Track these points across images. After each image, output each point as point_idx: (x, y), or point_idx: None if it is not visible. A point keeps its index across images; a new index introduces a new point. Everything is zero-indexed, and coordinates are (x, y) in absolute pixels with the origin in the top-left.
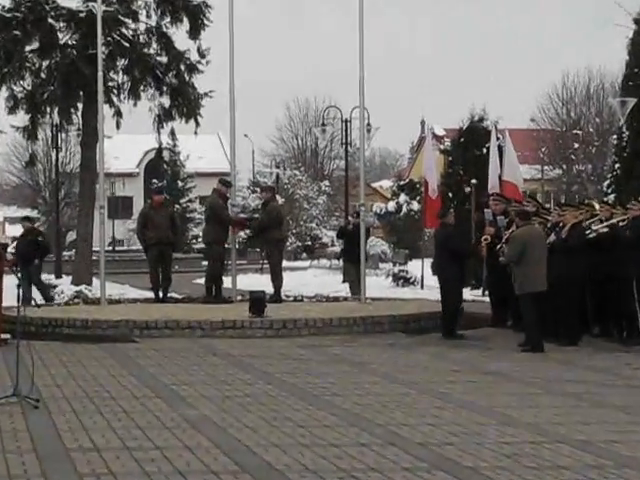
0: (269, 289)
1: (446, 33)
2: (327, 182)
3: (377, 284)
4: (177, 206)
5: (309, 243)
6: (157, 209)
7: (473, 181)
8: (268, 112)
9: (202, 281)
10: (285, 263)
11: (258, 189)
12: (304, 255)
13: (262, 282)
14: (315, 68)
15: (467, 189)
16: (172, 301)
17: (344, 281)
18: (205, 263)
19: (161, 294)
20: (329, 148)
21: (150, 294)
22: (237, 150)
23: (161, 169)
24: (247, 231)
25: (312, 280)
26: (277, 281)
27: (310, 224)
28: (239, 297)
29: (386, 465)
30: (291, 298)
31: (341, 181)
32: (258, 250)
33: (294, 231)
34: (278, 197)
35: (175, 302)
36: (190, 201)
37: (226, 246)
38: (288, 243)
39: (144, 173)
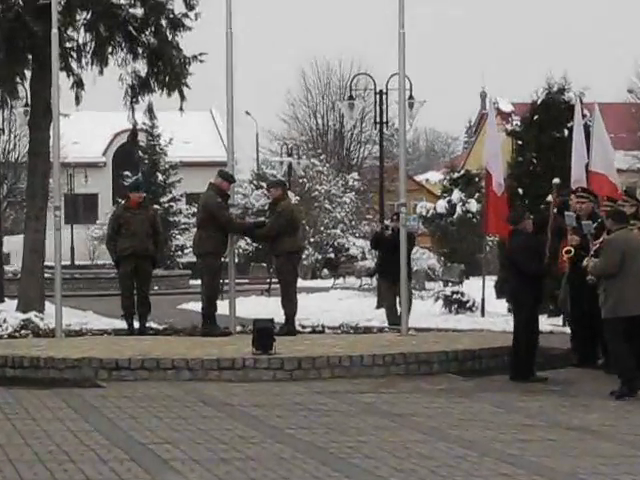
0: (279, 317)
1: None
2: (356, 174)
3: (423, 310)
4: (156, 206)
5: (332, 256)
6: (134, 211)
7: (555, 180)
8: (277, 81)
9: (190, 306)
10: (300, 282)
11: (264, 184)
12: (326, 272)
13: (270, 308)
14: (340, 23)
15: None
16: (151, 333)
17: (379, 306)
18: (193, 282)
19: (136, 324)
20: (358, 129)
21: (122, 324)
22: (236, 132)
23: (135, 158)
24: (249, 240)
25: (336, 305)
26: (290, 306)
27: (334, 230)
28: (239, 327)
29: None
30: (308, 329)
31: (375, 173)
32: (265, 265)
33: (312, 240)
34: (291, 195)
35: (155, 334)
36: (174, 200)
37: (222, 259)
38: (304, 256)
39: (113, 163)
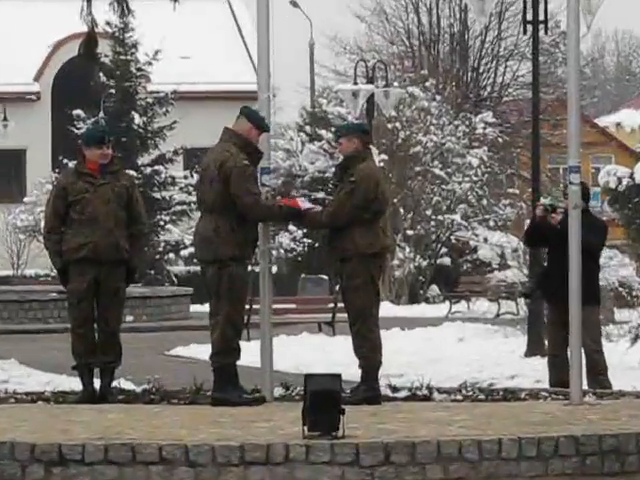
0: (351, 370)
1: None
2: (489, 115)
3: (612, 359)
4: (132, 173)
5: (447, 261)
6: (93, 180)
7: None
8: None
9: (191, 351)
10: (389, 309)
11: (327, 133)
12: (435, 290)
13: (334, 354)
14: None
15: None
16: (122, 398)
17: (532, 352)
18: (197, 309)
19: (97, 382)
20: (493, 36)
21: (72, 381)
22: (274, 40)
23: (94, 85)
24: (298, 230)
25: (454, 349)
26: (370, 352)
27: (450, 216)
28: (278, 390)
29: None
30: (404, 392)
31: (523, 113)
32: (325, 278)
33: (411, 233)
34: (374, 152)
35: (128, 401)
36: (163, 160)
37: (249, 269)
38: (396, 261)
39: (53, 96)
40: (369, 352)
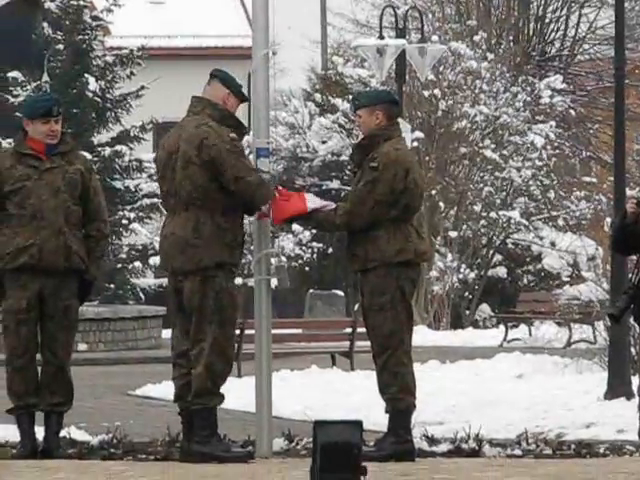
0: (375, 415)
1: None
2: (558, 80)
3: None
4: (86, 155)
5: (503, 273)
6: (36, 163)
7: None
8: None
9: (161, 391)
10: (424, 335)
11: (343, 102)
12: (486, 311)
13: (352, 394)
14: None
15: None
16: (71, 453)
17: (613, 393)
18: (169, 334)
19: (41, 430)
20: None
21: (8, 430)
22: None
23: (36, 39)
24: (305, 232)
25: (511, 389)
26: (400, 390)
27: (505, 212)
28: (278, 441)
29: None
30: (445, 445)
31: (601, 78)
32: (341, 294)
33: (454, 234)
34: (405, 127)
35: (81, 456)
36: (127, 138)
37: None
38: (435, 272)
39: None
40: (399, 392)
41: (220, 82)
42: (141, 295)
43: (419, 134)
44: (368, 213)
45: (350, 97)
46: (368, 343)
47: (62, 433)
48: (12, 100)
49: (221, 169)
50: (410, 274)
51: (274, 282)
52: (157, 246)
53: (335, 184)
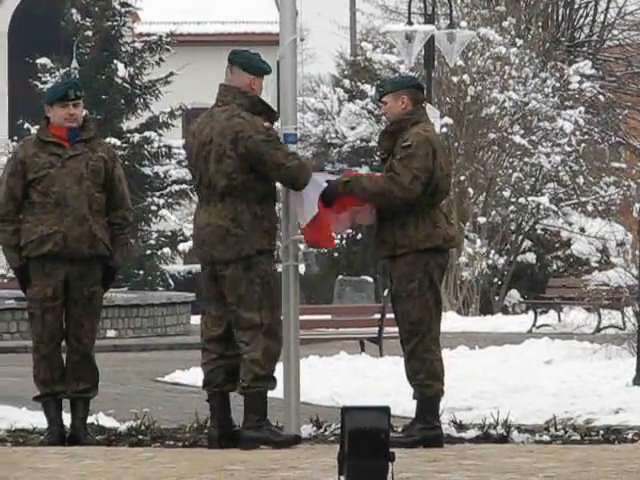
0: (403, 401)
1: None
2: (587, 65)
3: None
4: (114, 141)
5: (532, 259)
6: (60, 151)
7: None
8: None
9: (191, 377)
10: (454, 321)
11: (372, 88)
12: (515, 296)
13: (380, 380)
14: None
15: None
16: (97, 438)
17: (638, 380)
18: (198, 320)
19: (68, 417)
20: None
21: (34, 416)
22: None
23: (67, 26)
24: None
25: (540, 374)
26: (428, 377)
27: (535, 198)
28: (306, 427)
29: None
30: (474, 430)
31: (632, 64)
32: (370, 280)
33: (482, 220)
34: (432, 113)
35: (109, 443)
36: (157, 124)
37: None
38: (464, 257)
39: (11, 40)
40: (427, 379)
41: (241, 69)
42: (170, 281)
43: (448, 120)
44: (407, 185)
45: (376, 86)
46: (397, 329)
47: (90, 420)
48: (40, 87)
49: (261, 160)
50: (439, 260)
51: (302, 268)
52: (186, 232)
53: (364, 170)
